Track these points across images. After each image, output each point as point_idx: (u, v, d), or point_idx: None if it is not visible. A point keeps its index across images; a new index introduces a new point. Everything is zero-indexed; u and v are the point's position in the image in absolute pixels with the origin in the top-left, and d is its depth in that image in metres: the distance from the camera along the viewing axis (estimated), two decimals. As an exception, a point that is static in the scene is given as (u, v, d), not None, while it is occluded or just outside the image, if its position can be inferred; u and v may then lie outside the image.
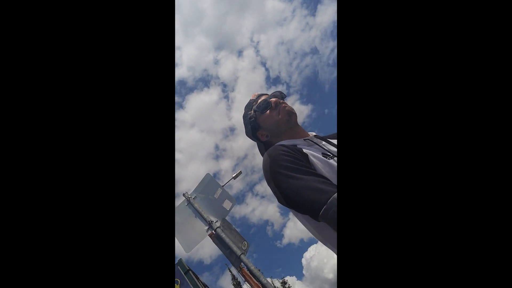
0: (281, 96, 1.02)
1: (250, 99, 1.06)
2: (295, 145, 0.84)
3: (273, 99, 0.98)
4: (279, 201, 0.79)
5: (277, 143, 0.89)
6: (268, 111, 0.97)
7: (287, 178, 0.73)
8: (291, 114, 0.95)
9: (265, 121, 0.98)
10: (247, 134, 1.06)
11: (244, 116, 1.05)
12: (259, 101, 1.01)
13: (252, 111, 1.01)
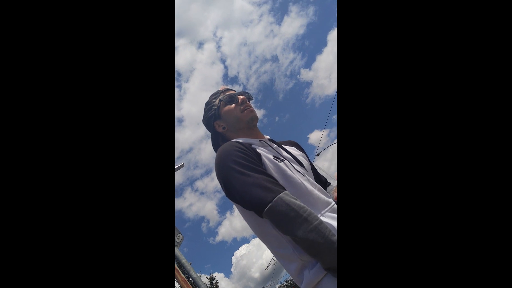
0: (248, 97, 1.05)
1: (218, 90, 1.07)
2: (250, 144, 0.89)
3: (241, 96, 1.02)
4: (226, 194, 0.83)
5: (233, 139, 0.93)
6: (233, 105, 1.00)
7: (238, 174, 0.78)
8: (254, 117, 0.99)
9: (227, 113, 1.00)
10: (204, 121, 1.07)
11: (207, 103, 1.06)
12: (227, 93, 1.03)
13: (218, 100, 1.03)
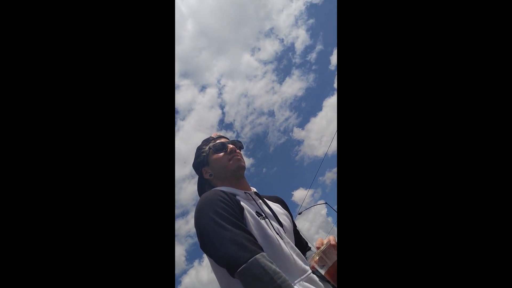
0: (239, 146, 1.05)
1: (210, 136, 1.08)
2: (235, 195, 0.87)
3: (231, 146, 1.02)
4: (200, 245, 0.78)
5: (218, 188, 0.91)
6: (221, 153, 1.00)
7: (217, 226, 0.74)
8: (240, 167, 0.98)
9: (215, 161, 1.00)
10: (194, 165, 1.07)
11: (198, 148, 1.07)
12: (218, 141, 1.04)
13: (207, 147, 1.03)
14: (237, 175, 0.97)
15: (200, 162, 1.03)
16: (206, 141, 1.07)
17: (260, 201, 0.93)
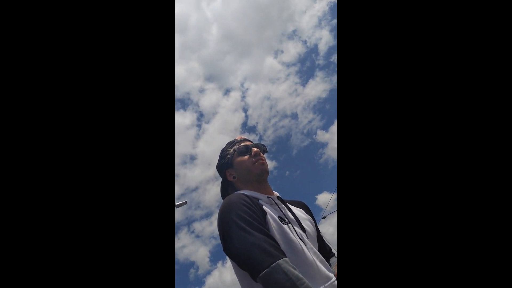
0: (263, 149, 1.06)
1: (235, 139, 1.09)
2: (257, 199, 0.87)
3: (255, 149, 1.02)
4: (223, 248, 0.79)
5: (241, 191, 0.92)
6: (246, 156, 1.00)
7: (240, 230, 0.74)
8: (264, 171, 0.99)
9: (239, 164, 1.00)
10: (217, 167, 1.08)
11: (223, 151, 1.08)
12: (242, 144, 1.04)
13: (232, 150, 1.04)
14: (260, 179, 0.98)
15: (224, 164, 1.04)
16: (230, 144, 1.08)
17: (283, 205, 0.93)
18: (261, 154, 1.03)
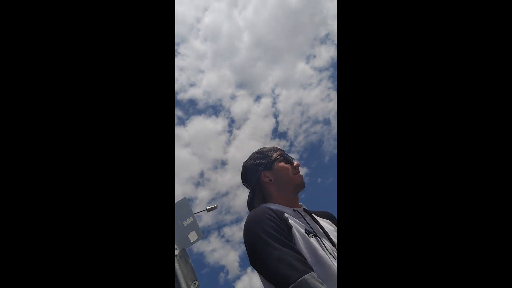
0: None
1: (274, 147, 1.08)
2: (283, 213, 0.86)
3: (296, 162, 1.02)
4: (250, 261, 0.80)
5: (266, 205, 0.91)
6: (289, 165, 1.00)
7: (266, 245, 0.74)
8: (303, 184, 0.99)
9: (281, 169, 0.99)
10: (249, 164, 1.05)
11: (261, 152, 1.05)
12: (285, 153, 1.05)
13: (276, 154, 1.02)
14: (296, 190, 0.98)
15: (262, 164, 1.01)
16: (271, 149, 1.06)
17: (309, 217, 0.91)
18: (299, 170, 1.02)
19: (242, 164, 1.09)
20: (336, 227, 0.98)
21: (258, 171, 1.01)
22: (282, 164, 1.00)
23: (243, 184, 1.09)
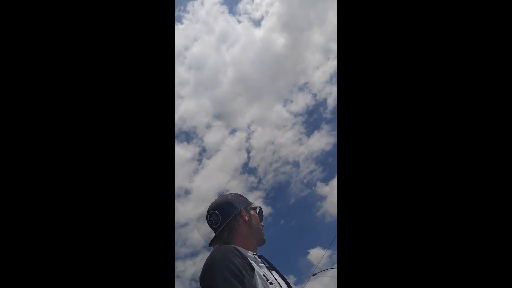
0: None
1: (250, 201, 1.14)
2: (247, 255, 0.88)
3: (262, 224, 1.11)
4: None
5: (233, 245, 0.92)
6: (259, 221, 1.08)
7: (228, 283, 0.73)
8: (264, 241, 1.07)
9: (256, 218, 1.07)
10: (228, 201, 1.06)
11: (243, 197, 1.11)
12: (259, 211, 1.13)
13: (256, 205, 1.12)
14: (260, 243, 1.05)
15: (244, 204, 1.07)
16: (247, 201, 1.12)
17: (268, 264, 0.95)
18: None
19: (220, 196, 1.10)
20: (284, 282, 0.98)
21: (239, 209, 1.03)
22: (256, 217, 1.08)
23: (210, 216, 1.06)
